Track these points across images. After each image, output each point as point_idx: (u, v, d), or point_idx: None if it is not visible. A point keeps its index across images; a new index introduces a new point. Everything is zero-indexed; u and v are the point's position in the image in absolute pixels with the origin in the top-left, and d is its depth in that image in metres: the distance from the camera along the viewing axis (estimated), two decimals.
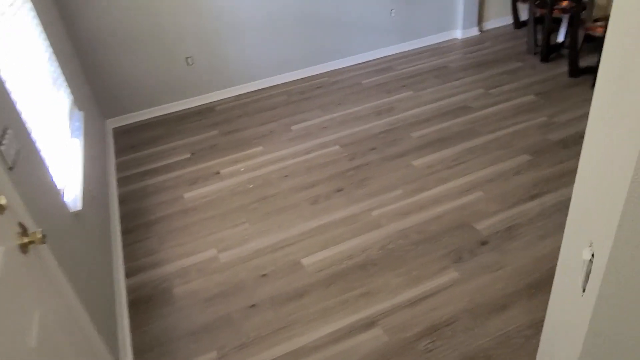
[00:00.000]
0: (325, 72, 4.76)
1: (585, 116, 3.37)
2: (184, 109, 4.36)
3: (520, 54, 4.58)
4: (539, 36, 4.49)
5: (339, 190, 2.94)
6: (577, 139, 3.12)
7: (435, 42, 5.18)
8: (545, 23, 4.16)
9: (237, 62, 4.39)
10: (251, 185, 3.11)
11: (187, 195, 3.10)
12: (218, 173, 3.30)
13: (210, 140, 3.75)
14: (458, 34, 5.23)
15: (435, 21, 5.06)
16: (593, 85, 3.71)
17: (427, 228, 2.53)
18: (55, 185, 1.88)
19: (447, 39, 5.23)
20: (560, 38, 4.49)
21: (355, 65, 4.85)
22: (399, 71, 4.57)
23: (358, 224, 2.62)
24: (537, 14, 4.52)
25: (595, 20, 3.75)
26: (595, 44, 4.56)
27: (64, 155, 2.28)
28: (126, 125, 4.21)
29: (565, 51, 4.39)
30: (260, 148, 3.54)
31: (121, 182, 3.36)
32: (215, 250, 2.58)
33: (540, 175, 2.83)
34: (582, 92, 3.69)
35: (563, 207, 2.55)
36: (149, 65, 4.09)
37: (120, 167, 3.54)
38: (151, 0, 3.85)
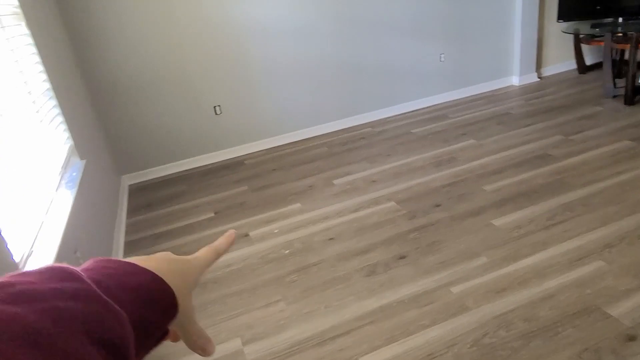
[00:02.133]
0: (369, 122, 4.22)
1: None
2: (210, 163, 3.84)
3: (595, 98, 3.95)
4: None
5: (402, 258, 2.26)
6: None
7: (490, 89, 4.63)
8: (630, 60, 3.55)
9: (270, 112, 3.91)
10: (287, 251, 2.46)
11: None
12: (247, 235, 2.67)
13: (238, 197, 3.17)
14: (515, 80, 4.68)
15: (489, 67, 4.54)
16: None
17: (536, 313, 1.79)
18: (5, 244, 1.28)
19: (502, 85, 4.68)
20: None
21: (401, 114, 4.31)
22: (454, 119, 3.99)
23: (435, 305, 1.91)
24: (615, 54, 3.95)
25: None
26: None
27: (39, 207, 1.71)
28: (144, 181, 3.70)
29: None
30: (297, 205, 2.92)
31: (129, 246, 2.77)
32: (240, 341, 1.89)
33: None
34: None
35: None
36: (172, 114, 3.64)
37: (131, 229, 2.97)
38: (177, 46, 3.46)
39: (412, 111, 4.35)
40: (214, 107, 3.73)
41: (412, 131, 3.86)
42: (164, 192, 3.44)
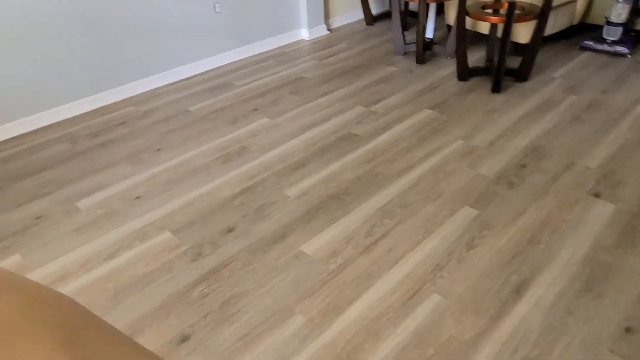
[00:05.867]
0: (131, 98, 3.17)
1: (506, 134, 2.52)
2: None
3: (388, 56, 3.66)
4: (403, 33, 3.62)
5: (184, 340, 1.50)
6: (518, 170, 2.22)
7: (279, 45, 3.99)
8: (420, 15, 3.27)
9: None
10: None
11: None
12: None
13: None
14: (304, 34, 4.13)
15: (274, 18, 3.86)
16: (494, 90, 2.93)
17: None
18: None
19: (292, 40, 4.08)
20: (429, 34, 3.70)
21: (173, 83, 3.37)
22: (241, 88, 3.24)
23: None
24: (402, 5, 3.66)
25: (484, 8, 2.97)
26: (477, 39, 3.89)
27: None
28: None
29: (439, 48, 3.60)
30: (15, 258, 1.86)
31: None
32: None
33: (502, 244, 1.81)
34: (483, 100, 2.87)
35: (576, 303, 1.55)
36: None
37: None
38: None
39: (188, 78, 3.43)
40: None
41: (189, 109, 2.99)
42: None
